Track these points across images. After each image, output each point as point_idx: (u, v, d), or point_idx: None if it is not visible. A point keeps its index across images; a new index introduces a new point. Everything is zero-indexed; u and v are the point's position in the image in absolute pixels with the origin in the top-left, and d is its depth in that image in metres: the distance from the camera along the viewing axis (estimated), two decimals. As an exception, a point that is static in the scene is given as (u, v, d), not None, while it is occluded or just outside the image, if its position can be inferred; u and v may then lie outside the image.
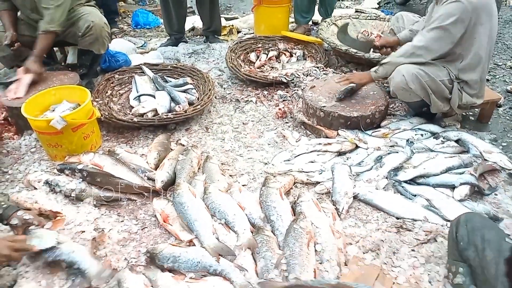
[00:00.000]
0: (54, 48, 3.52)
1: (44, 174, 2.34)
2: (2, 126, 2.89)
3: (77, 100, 2.64)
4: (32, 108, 2.52)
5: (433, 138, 2.66)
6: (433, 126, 2.74)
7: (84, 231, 1.96)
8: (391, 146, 2.56)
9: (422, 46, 2.45)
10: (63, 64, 3.67)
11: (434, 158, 2.43)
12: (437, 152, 2.50)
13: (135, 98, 3.14)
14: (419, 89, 2.48)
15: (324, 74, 3.34)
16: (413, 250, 1.93)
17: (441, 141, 2.63)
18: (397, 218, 2.12)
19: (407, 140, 2.60)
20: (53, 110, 2.61)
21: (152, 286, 1.70)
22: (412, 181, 2.33)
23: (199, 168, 2.51)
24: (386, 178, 2.35)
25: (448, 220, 2.03)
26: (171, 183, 2.34)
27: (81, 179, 2.28)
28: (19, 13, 3.12)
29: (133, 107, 3.05)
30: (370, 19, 4.14)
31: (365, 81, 2.77)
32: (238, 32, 4.94)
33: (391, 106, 3.03)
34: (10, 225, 1.86)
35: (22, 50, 3.11)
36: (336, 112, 2.67)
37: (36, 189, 2.27)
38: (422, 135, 2.67)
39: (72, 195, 2.19)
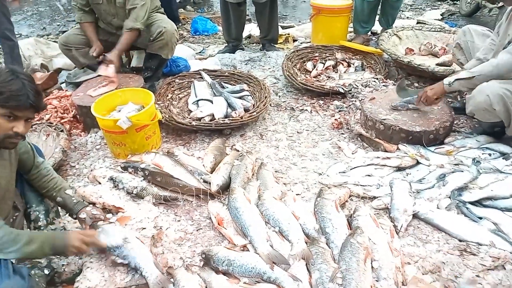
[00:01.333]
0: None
1: (108, 170, 2.47)
2: (71, 123, 3.10)
3: (141, 102, 2.77)
4: (100, 107, 2.68)
5: (503, 158, 2.48)
6: (502, 146, 2.57)
7: (144, 228, 2.04)
8: (455, 165, 2.43)
9: (508, 67, 2.28)
10: (128, 67, 3.87)
11: (503, 180, 2.27)
12: (506, 174, 2.34)
13: (193, 102, 3.24)
14: (503, 111, 2.31)
15: (383, 85, 3.25)
16: (478, 276, 1.81)
17: (511, 162, 2.46)
18: (460, 241, 2.00)
19: (473, 159, 2.46)
20: (119, 111, 2.74)
21: (206, 287, 1.73)
22: (478, 203, 2.20)
23: (253, 174, 2.52)
24: (449, 197, 2.23)
25: (517, 247, 1.90)
26: (226, 187, 2.38)
27: (142, 178, 2.38)
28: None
29: (191, 111, 3.15)
30: (434, 31, 3.99)
31: (439, 95, 2.58)
32: (294, 40, 4.95)
33: (456, 122, 2.89)
34: (78, 218, 1.97)
35: (92, 49, 3.32)
36: (398, 126, 2.59)
37: (101, 184, 2.40)
38: (490, 154, 2.51)
39: (134, 192, 2.29)
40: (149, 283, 1.73)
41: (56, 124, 2.89)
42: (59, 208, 2.06)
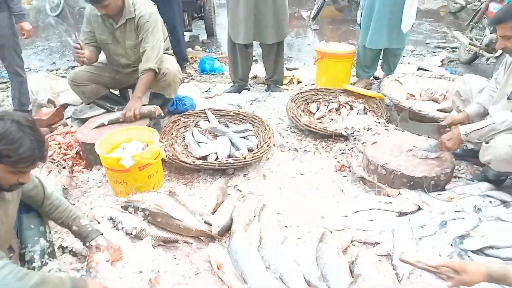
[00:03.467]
0: (128, 89, 3.81)
1: (109, 210, 2.45)
2: (74, 159, 3.12)
3: (146, 140, 2.80)
4: (104, 145, 2.71)
5: (503, 206, 2.48)
6: (503, 193, 2.56)
7: (142, 272, 2.00)
8: (456, 211, 2.42)
9: None
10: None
11: (504, 228, 2.27)
12: (507, 222, 2.33)
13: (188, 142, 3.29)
14: None
15: (385, 129, 3.29)
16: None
17: (512, 210, 2.45)
18: (463, 291, 1.97)
19: (475, 206, 2.45)
20: (123, 149, 2.77)
21: (204, 336, 1.68)
22: (480, 251, 2.17)
23: (255, 216, 2.51)
24: (451, 245, 2.21)
25: (521, 298, 1.86)
26: (227, 229, 2.37)
27: (142, 218, 2.36)
28: (103, 59, 3.46)
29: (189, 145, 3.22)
30: (434, 78, 4.09)
31: (458, 145, 2.57)
32: (299, 82, 5.06)
33: (456, 168, 2.90)
34: (87, 246, 2.00)
35: (100, 89, 3.42)
36: (399, 171, 2.60)
37: (99, 223, 2.38)
38: (490, 202, 2.50)
39: (133, 233, 2.27)
40: None
41: (58, 161, 2.91)
42: (54, 247, 2.05)
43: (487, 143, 2.41)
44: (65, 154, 3.06)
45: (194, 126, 3.49)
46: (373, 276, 1.95)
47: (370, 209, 2.54)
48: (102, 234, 2.06)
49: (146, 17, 3.13)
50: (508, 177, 2.68)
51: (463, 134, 2.48)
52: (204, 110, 3.71)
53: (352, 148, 3.26)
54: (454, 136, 2.53)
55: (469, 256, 2.12)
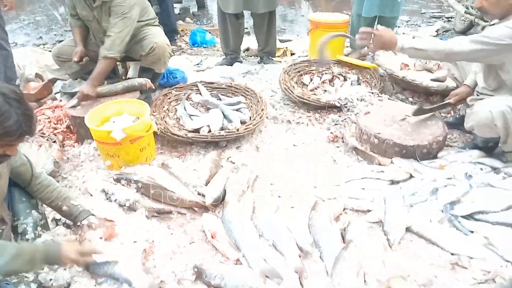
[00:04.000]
0: (117, 63, 3.73)
1: (101, 182, 2.45)
2: (64, 134, 3.09)
3: (136, 113, 2.77)
4: (94, 118, 2.67)
5: (494, 173, 2.50)
6: (494, 160, 2.58)
7: (136, 241, 2.01)
8: (448, 179, 2.44)
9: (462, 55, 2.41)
10: (124, 78, 3.87)
11: (494, 194, 2.30)
12: (497, 188, 2.36)
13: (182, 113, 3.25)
14: (503, 127, 2.33)
15: (379, 100, 3.28)
16: (469, 290, 1.81)
17: (503, 176, 2.47)
18: (452, 254, 2.00)
19: (466, 173, 2.47)
20: (114, 122, 2.74)
21: (198, 302, 1.71)
22: (470, 217, 2.20)
23: (248, 187, 2.52)
24: (442, 211, 2.24)
25: (508, 261, 1.91)
26: (220, 200, 2.37)
27: (135, 190, 2.36)
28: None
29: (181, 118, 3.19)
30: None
31: (382, 47, 2.48)
32: (292, 54, 4.99)
33: (449, 137, 2.91)
34: (77, 226, 2.00)
35: (88, 64, 3.34)
36: (392, 140, 2.60)
37: (92, 196, 2.38)
38: (481, 169, 2.52)
39: (126, 205, 2.27)
40: None
41: (48, 135, 2.88)
42: (47, 220, 2.05)
43: (471, 110, 2.44)
44: (55, 129, 3.02)
45: (186, 99, 3.45)
46: (364, 241, 1.98)
47: (362, 178, 2.56)
48: (93, 214, 2.05)
49: (120, 1, 3.01)
50: (499, 145, 2.70)
51: (399, 46, 2.38)
52: (195, 83, 3.66)
53: (345, 119, 3.25)
54: (387, 38, 2.40)
55: (459, 222, 2.15)
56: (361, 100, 3.32)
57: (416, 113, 2.85)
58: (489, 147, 2.63)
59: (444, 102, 2.92)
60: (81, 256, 1.71)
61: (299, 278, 1.80)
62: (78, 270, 1.84)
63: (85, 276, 1.83)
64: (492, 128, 2.37)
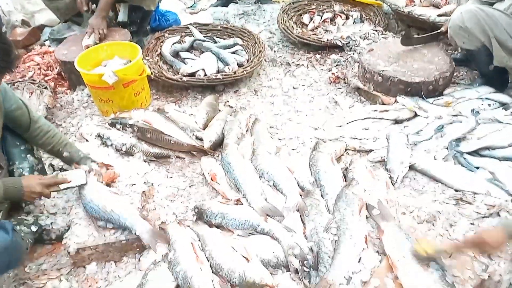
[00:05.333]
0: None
1: (96, 127, 2.38)
2: (56, 80, 2.98)
3: (128, 57, 2.64)
4: (85, 62, 2.55)
5: (502, 108, 2.42)
6: (502, 95, 2.49)
7: (134, 184, 1.98)
8: (454, 116, 2.36)
9: None
10: (114, 22, 3.68)
11: (501, 130, 2.22)
12: (505, 124, 2.28)
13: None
14: (478, 31, 2.28)
15: (383, 37, 3.12)
16: (472, 224, 1.79)
17: (511, 112, 2.39)
18: (456, 190, 1.97)
19: (472, 110, 2.39)
20: (105, 66, 2.62)
21: (200, 240, 1.69)
22: (475, 153, 2.15)
23: (247, 130, 2.45)
24: (447, 148, 2.18)
25: (513, 195, 1.87)
26: (219, 144, 2.32)
27: (131, 134, 2.30)
28: None
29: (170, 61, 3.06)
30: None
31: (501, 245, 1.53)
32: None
33: (456, 74, 2.79)
34: None
35: (79, 3, 3.14)
36: (396, 77, 2.49)
37: (88, 141, 2.32)
38: (489, 105, 2.43)
39: (123, 149, 2.21)
40: (142, 238, 1.69)
41: (39, 81, 2.76)
42: (44, 165, 2.00)
43: None
44: (46, 75, 2.90)
45: (179, 43, 3.29)
46: (366, 179, 1.93)
47: (365, 119, 2.48)
48: (94, 161, 1.99)
49: None
50: (509, 81, 2.59)
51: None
52: (188, 25, 3.47)
53: (347, 59, 3.11)
54: (495, 233, 1.50)
55: (464, 158, 2.10)
56: (364, 39, 3.16)
57: (404, 41, 2.73)
58: (498, 82, 2.52)
59: (436, 32, 2.77)
60: (45, 188, 1.66)
61: (300, 216, 1.77)
62: (76, 212, 1.82)
63: (85, 219, 1.81)
64: (467, 32, 2.32)
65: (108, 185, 1.94)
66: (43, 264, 1.77)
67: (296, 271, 1.56)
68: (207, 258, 1.60)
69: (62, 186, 1.75)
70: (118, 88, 2.44)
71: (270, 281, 1.50)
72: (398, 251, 1.56)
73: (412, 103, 2.46)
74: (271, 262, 1.59)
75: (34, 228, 1.71)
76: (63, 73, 2.95)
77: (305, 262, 1.56)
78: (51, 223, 1.79)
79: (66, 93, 2.91)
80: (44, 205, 1.91)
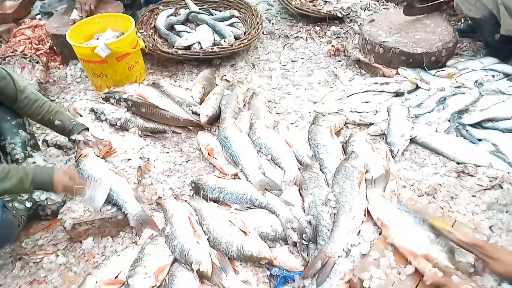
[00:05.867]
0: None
1: (89, 102, 2.32)
2: (48, 55, 2.90)
3: (121, 29, 2.55)
4: (77, 36, 2.47)
5: (507, 79, 2.35)
6: (507, 66, 2.41)
7: (130, 159, 1.94)
8: (456, 87, 2.30)
9: None
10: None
11: (505, 101, 2.17)
12: (509, 95, 2.22)
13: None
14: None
15: (384, 8, 3.03)
16: (473, 196, 1.77)
17: (516, 83, 2.33)
18: (458, 163, 1.94)
19: (476, 81, 2.33)
20: (98, 38, 2.54)
21: (197, 215, 1.67)
22: (478, 125, 2.11)
23: (244, 105, 2.40)
24: (449, 121, 2.14)
25: (516, 167, 1.84)
26: (216, 118, 2.27)
27: (126, 109, 2.24)
28: None
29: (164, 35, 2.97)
30: None
31: None
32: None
33: (459, 45, 2.71)
34: (72, 140, 1.92)
35: None
36: (398, 48, 2.42)
37: (82, 116, 2.26)
38: (493, 76, 2.37)
39: (118, 124, 2.17)
40: (129, 219, 1.67)
41: (31, 56, 2.68)
42: (37, 140, 1.96)
43: None
44: (37, 50, 2.82)
45: (174, 15, 3.19)
46: (366, 152, 1.89)
47: (366, 91, 2.42)
48: (87, 128, 1.95)
49: None
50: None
51: None
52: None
53: (347, 30, 3.03)
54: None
55: (467, 130, 2.06)
56: (365, 10, 3.09)
57: (407, 11, 2.64)
58: (503, 52, 2.45)
59: (440, 0, 2.68)
60: (73, 183, 1.61)
61: (298, 189, 1.74)
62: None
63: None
64: (475, 0, 2.23)
65: (104, 158, 1.90)
66: (39, 239, 1.75)
67: (295, 245, 1.54)
68: (204, 232, 1.58)
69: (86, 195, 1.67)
70: (111, 61, 2.37)
71: (268, 254, 1.48)
72: (386, 212, 1.56)
73: (414, 75, 2.40)
74: (269, 235, 1.57)
75: (28, 204, 1.68)
76: (55, 47, 2.87)
77: (303, 235, 1.54)
78: (46, 198, 1.76)
79: (59, 68, 2.84)
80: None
